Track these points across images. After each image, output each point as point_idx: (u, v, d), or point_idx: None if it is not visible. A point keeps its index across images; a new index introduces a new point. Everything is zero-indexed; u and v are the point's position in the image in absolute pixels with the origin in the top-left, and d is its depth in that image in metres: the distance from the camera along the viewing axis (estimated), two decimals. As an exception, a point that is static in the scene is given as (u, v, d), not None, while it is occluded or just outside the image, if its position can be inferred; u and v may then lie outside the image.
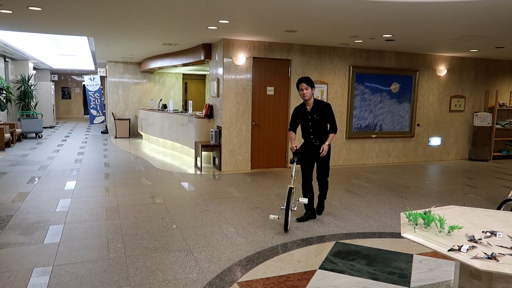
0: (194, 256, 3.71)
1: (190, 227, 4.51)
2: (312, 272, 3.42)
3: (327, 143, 4.66)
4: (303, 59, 8.19)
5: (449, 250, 2.10)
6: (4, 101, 7.99)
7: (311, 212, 4.88)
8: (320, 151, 4.64)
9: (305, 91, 4.61)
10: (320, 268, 3.51)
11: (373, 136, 9.07)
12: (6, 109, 8.06)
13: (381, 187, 6.84)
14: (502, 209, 4.59)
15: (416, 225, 2.49)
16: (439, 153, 9.92)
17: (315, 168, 4.93)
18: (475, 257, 2.00)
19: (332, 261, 3.65)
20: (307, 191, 4.86)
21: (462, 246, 2.11)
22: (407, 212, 2.60)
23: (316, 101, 4.73)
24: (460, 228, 2.34)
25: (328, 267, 3.54)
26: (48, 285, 3.09)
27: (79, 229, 4.36)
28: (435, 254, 3.82)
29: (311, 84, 4.63)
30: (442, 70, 9.51)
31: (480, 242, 2.21)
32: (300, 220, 4.80)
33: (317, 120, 4.67)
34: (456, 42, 7.34)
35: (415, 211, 2.57)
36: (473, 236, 2.27)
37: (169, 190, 6.26)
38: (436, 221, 2.40)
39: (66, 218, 4.73)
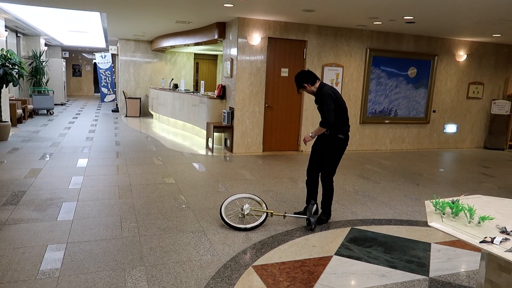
0: (208, 238, 3.66)
1: (203, 208, 4.46)
2: (328, 258, 3.36)
3: (310, 134, 4.11)
4: (319, 40, 7.99)
5: (481, 242, 2.01)
6: (16, 76, 7.93)
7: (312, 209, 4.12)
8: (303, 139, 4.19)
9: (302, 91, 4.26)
10: (336, 254, 3.45)
11: (387, 121, 8.90)
12: (18, 85, 8.00)
13: (395, 173, 6.72)
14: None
15: (444, 214, 2.40)
16: (454, 141, 9.73)
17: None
18: (510, 250, 1.91)
19: (348, 248, 3.59)
20: (308, 187, 4.32)
21: (494, 238, 2.02)
22: (434, 201, 2.50)
23: (319, 87, 4.07)
24: (492, 219, 2.24)
25: (344, 253, 3.47)
26: (63, 262, 3.07)
27: (92, 207, 4.34)
28: (454, 243, 3.74)
29: (298, 84, 4.10)
30: (461, 55, 9.23)
31: (513, 234, 2.11)
32: (297, 213, 4.30)
33: (318, 109, 4.09)
34: (480, 25, 7.08)
35: (442, 200, 2.47)
36: (505, 227, 2.17)
37: (180, 170, 6.21)
38: (466, 211, 2.30)
39: (79, 195, 4.71)
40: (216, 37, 8.21)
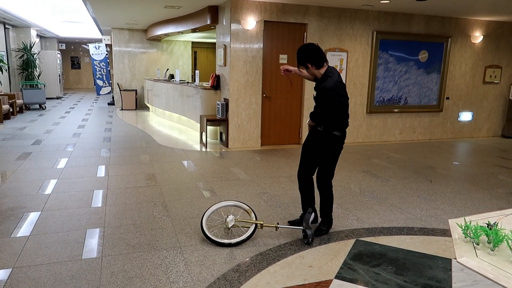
0: (184, 258, 3.07)
1: (185, 218, 3.87)
2: (327, 283, 2.75)
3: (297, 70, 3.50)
4: (321, 23, 7.28)
5: (539, 295, 1.38)
6: (-6, 70, 7.35)
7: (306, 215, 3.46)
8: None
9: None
10: (336, 277, 2.84)
11: (397, 110, 8.20)
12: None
13: (406, 168, 6.07)
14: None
15: (477, 244, 1.77)
16: (469, 130, 9.00)
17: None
18: None
19: (351, 268, 2.97)
20: (302, 193, 3.69)
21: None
22: (462, 224, 1.87)
23: (325, 74, 3.33)
24: (548, 255, 1.61)
25: (347, 276, 2.86)
26: (0, 296, 2.51)
27: (56, 218, 3.77)
28: (480, 259, 3.10)
29: (300, 60, 3.40)
30: (477, 37, 8.45)
31: None
32: (291, 223, 3.72)
33: (315, 98, 3.43)
34: (498, 2, 6.32)
35: (475, 223, 1.84)
36: None
37: (168, 170, 5.62)
38: (510, 241, 1.67)
39: (45, 203, 4.15)
40: (208, 22, 7.55)
